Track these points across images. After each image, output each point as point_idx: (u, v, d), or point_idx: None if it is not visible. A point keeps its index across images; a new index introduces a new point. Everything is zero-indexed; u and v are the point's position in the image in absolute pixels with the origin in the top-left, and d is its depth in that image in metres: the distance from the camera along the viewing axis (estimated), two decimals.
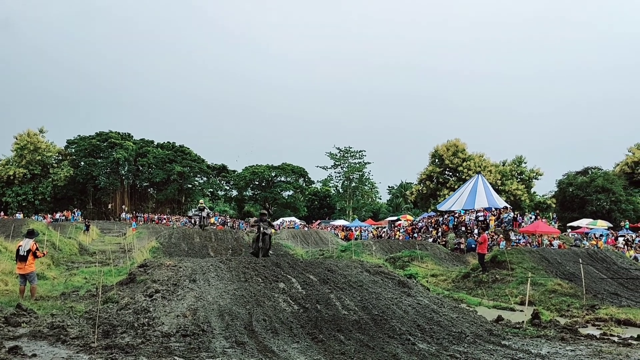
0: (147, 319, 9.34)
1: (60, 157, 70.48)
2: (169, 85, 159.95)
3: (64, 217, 54.95)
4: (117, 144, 70.11)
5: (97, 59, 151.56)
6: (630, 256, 27.04)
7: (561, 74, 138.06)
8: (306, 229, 53.37)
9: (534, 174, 65.22)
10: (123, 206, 68.31)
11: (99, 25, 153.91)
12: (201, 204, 35.91)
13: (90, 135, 71.43)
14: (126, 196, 72.40)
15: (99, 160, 69.34)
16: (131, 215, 60.52)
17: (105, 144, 70.47)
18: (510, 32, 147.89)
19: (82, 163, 69.19)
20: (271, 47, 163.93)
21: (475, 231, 35.23)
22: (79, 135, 71.55)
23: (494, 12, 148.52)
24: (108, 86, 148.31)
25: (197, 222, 36.61)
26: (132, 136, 75.59)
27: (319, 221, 68.92)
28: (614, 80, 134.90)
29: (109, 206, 71.19)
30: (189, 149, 76.37)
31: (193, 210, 77.99)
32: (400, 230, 45.44)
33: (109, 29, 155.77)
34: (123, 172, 71.70)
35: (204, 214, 34.30)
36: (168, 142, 76.98)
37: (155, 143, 76.50)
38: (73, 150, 70.25)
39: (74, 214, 58.01)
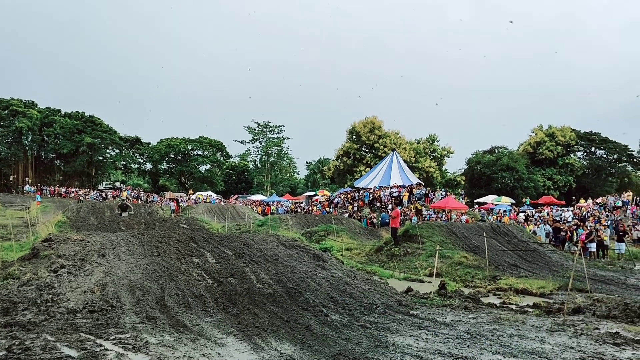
0: (51, 295, 8.92)
1: None
2: (77, 50, 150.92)
3: None
4: (20, 112, 65.50)
5: None
6: (530, 230, 28.91)
7: (474, 60, 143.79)
8: (223, 203, 52.75)
9: (446, 152, 68.01)
10: (27, 178, 64.39)
11: None
12: None
13: None
14: (30, 168, 68.15)
15: None
16: (35, 188, 57.12)
17: (6, 112, 65.62)
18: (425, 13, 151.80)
19: None
20: (187, 10, 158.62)
21: (390, 207, 36.30)
22: None
23: None
24: (10, 47, 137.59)
25: None
26: (37, 104, 70.83)
27: (236, 196, 68.38)
28: (525, 68, 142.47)
29: (11, 178, 66.85)
30: (99, 119, 72.57)
31: (104, 183, 74.89)
32: (317, 206, 46.01)
33: None
34: (26, 142, 67.25)
35: None
36: (77, 111, 72.79)
37: (63, 112, 72.08)
38: None
39: None
